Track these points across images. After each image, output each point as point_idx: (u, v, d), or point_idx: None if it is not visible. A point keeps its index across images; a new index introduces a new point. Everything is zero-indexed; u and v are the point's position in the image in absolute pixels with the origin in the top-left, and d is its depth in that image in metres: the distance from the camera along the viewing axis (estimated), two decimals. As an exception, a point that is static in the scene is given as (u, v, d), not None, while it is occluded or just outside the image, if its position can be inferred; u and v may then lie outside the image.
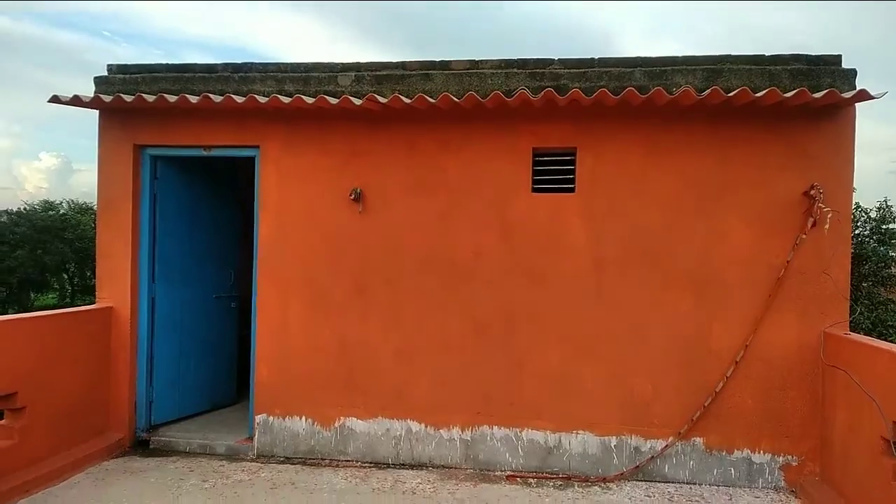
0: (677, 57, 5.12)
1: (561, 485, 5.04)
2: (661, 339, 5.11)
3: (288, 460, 5.53)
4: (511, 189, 5.32)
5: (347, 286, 5.54)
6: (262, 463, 5.48)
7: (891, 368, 3.98)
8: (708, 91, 4.66)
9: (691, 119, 5.08)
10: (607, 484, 5.05)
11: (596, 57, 5.22)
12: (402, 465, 5.41)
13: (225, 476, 5.14)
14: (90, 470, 5.20)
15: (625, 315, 5.16)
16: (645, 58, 5.16)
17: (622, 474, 5.10)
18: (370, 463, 5.45)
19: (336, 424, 5.52)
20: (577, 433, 5.20)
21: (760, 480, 4.96)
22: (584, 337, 5.21)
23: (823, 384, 4.85)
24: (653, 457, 5.08)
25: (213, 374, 6.58)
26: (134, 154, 5.77)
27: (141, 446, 5.81)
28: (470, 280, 5.37)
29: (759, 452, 4.96)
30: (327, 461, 5.49)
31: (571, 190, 5.29)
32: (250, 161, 5.78)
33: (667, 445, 5.07)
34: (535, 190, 5.32)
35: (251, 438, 5.70)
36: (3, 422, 4.85)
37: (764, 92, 4.59)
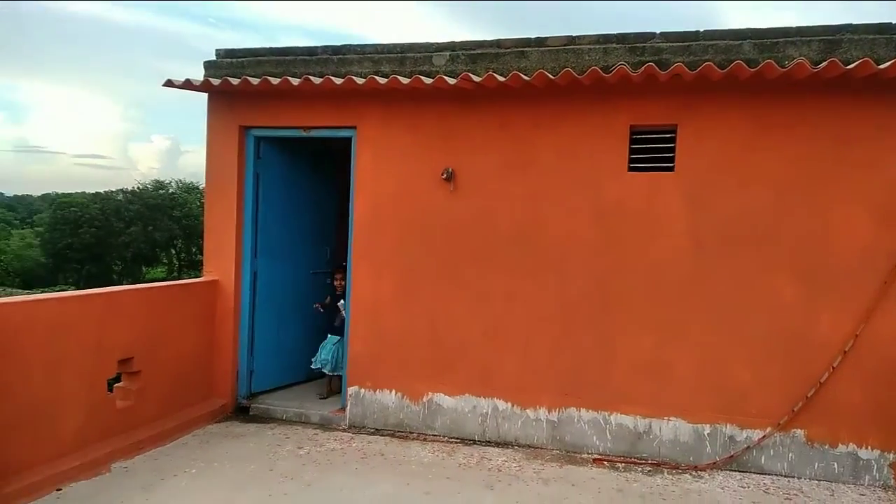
0: (790, 28, 4.83)
1: (650, 471, 4.95)
2: (762, 326, 4.89)
3: (377, 432, 5.72)
4: (606, 168, 5.22)
5: (438, 265, 5.61)
6: (353, 433, 5.69)
7: None
8: (824, 63, 4.37)
9: (804, 94, 4.79)
10: (699, 472, 4.91)
11: (701, 29, 5.00)
12: (488, 442, 5.47)
13: (318, 444, 5.38)
14: (196, 432, 5.58)
15: (724, 300, 4.97)
16: (755, 29, 4.89)
17: (715, 463, 4.95)
18: (456, 439, 5.55)
19: (424, 399, 5.65)
20: (669, 419, 5.08)
21: (867, 477, 4.68)
22: (680, 321, 5.06)
23: (945, 380, 4.50)
24: (748, 447, 4.89)
25: (309, 346, 6.86)
26: (239, 135, 6.07)
27: (241, 412, 6.17)
28: (561, 260, 5.32)
29: (866, 448, 4.68)
30: (415, 435, 5.63)
31: (670, 169, 5.12)
32: (347, 141, 5.94)
33: (764, 436, 4.86)
34: (631, 169, 5.19)
35: (343, 409, 5.93)
36: (121, 384, 5.28)
37: (889, 63, 4.26)
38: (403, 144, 5.68)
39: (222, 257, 6.12)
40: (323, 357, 6.45)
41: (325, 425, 5.88)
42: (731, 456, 4.92)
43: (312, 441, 5.46)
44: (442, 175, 5.54)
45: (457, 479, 4.69)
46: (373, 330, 5.80)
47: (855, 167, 4.73)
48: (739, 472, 4.91)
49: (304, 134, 6.00)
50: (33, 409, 4.33)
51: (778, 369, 4.85)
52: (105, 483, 4.45)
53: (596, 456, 5.19)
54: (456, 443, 5.49)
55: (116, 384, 5.29)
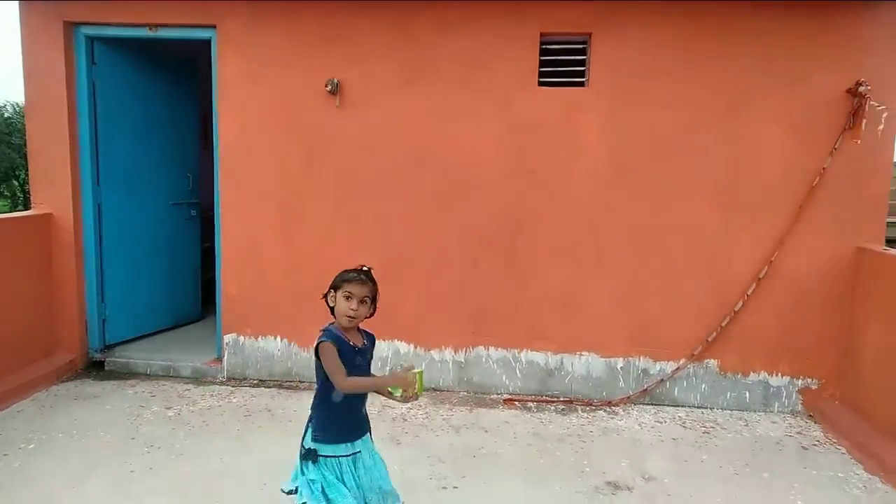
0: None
1: (563, 409, 4.65)
2: (678, 254, 4.62)
3: (262, 383, 5.03)
4: (516, 82, 4.63)
5: (326, 194, 4.87)
6: (232, 386, 4.97)
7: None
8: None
9: (730, 6, 4.39)
10: (613, 408, 4.68)
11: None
12: (389, 388, 4.95)
13: (192, 402, 4.63)
14: (36, 396, 4.63)
15: (640, 227, 4.64)
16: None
17: (628, 398, 4.73)
18: (353, 386, 4.98)
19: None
20: (581, 354, 4.77)
21: (776, 404, 4.64)
22: (594, 251, 4.69)
23: (853, 303, 4.46)
24: (662, 379, 4.70)
25: (175, 288, 5.95)
26: (65, 33, 4.85)
27: (95, 368, 5.24)
28: (467, 187, 4.74)
29: (776, 375, 4.62)
30: (306, 384, 5.00)
31: (583, 84, 4.63)
32: (207, 46, 4.91)
33: (678, 368, 4.68)
34: (542, 83, 4.63)
35: (220, 360, 5.16)
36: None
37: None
38: (277, 49, 4.77)
39: (55, 186, 4.99)
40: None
41: (199, 379, 5.10)
42: (645, 389, 4.72)
43: (184, 398, 4.69)
44: (326, 87, 4.71)
45: (356, 436, 4.14)
46: (250, 269, 5.00)
47: (777, 84, 4.44)
48: (653, 405, 4.73)
49: (150, 34, 4.88)
50: None
51: (693, 299, 4.63)
52: None
53: (506, 396, 4.82)
54: (352, 391, 4.92)
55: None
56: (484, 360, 4.86)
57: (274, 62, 4.79)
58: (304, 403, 4.57)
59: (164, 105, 5.69)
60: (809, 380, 4.59)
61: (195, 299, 6.24)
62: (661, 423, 4.44)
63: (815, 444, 4.16)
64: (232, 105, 4.87)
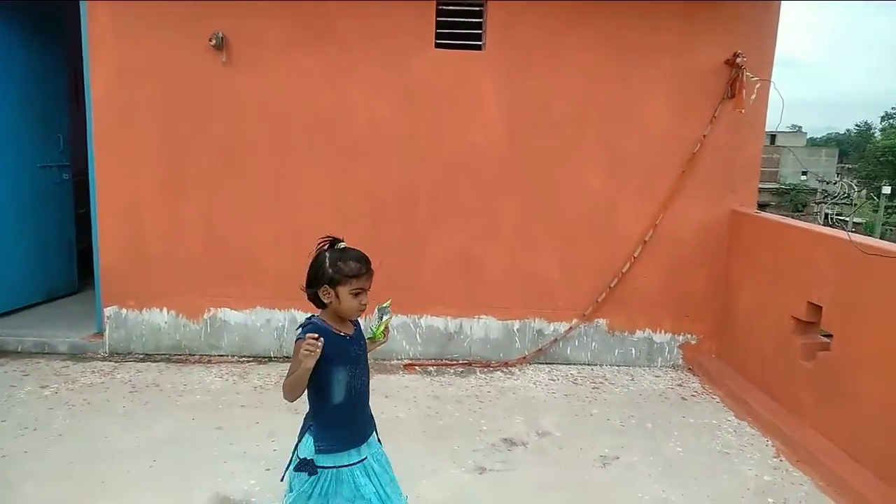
0: None
1: (462, 371, 4.73)
2: (570, 219, 4.76)
3: (148, 357, 4.78)
4: (412, 44, 4.55)
5: (215, 157, 4.62)
6: (116, 362, 4.68)
7: (808, 247, 3.88)
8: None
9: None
10: (509, 368, 4.81)
11: None
12: (287, 357, 4.82)
13: (70, 380, 4.32)
14: None
15: (533, 192, 4.73)
16: None
17: (524, 358, 4.88)
18: (249, 357, 4.82)
19: (206, 316, 4.79)
20: (480, 318, 4.86)
21: (659, 359, 4.94)
22: (492, 216, 4.75)
23: (728, 264, 4.78)
24: (556, 339, 4.88)
25: (46, 259, 5.48)
26: None
27: (-43, 348, 4.78)
28: (365, 152, 4.65)
29: (659, 332, 4.91)
30: (196, 357, 4.80)
31: (480, 47, 4.61)
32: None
33: (570, 328, 4.87)
34: (438, 45, 4.57)
35: (101, 334, 4.84)
36: None
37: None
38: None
39: None
40: None
41: (78, 355, 4.77)
42: (540, 349, 4.88)
43: (62, 376, 4.38)
44: (210, 41, 4.42)
45: (253, 406, 4.03)
46: (131, 238, 4.69)
47: (661, 54, 4.62)
48: (547, 364, 4.90)
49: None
50: None
51: (584, 261, 4.80)
52: None
53: (407, 361, 4.84)
54: (249, 362, 4.77)
55: None
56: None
57: (150, 13, 4.44)
58: (194, 377, 4.43)
59: (27, 60, 5.14)
60: (689, 336, 4.92)
61: (70, 270, 5.78)
62: (554, 380, 4.62)
63: (693, 396, 4.47)
64: (104, 61, 4.49)
